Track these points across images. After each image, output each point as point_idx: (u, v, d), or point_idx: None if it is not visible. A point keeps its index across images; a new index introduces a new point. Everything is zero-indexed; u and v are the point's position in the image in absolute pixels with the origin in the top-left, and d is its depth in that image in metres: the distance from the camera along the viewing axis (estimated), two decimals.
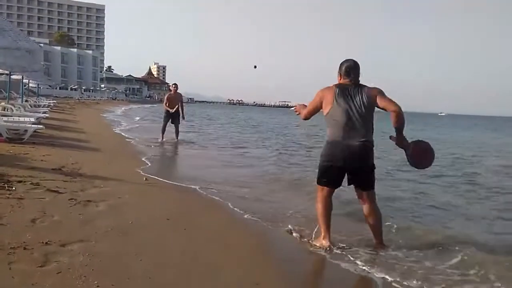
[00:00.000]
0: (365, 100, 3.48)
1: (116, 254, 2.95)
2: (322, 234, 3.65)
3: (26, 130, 8.32)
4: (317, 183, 3.71)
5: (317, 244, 3.64)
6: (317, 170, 3.73)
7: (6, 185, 4.39)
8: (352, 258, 3.38)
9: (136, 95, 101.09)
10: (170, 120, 11.63)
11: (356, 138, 3.45)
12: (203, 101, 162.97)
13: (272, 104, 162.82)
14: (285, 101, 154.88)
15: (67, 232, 3.24)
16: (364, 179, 3.60)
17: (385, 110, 3.50)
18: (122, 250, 3.05)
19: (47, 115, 13.68)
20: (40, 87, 34.60)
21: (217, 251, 3.34)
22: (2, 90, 22.94)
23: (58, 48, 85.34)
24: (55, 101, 30.23)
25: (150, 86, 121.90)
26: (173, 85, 11.82)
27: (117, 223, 3.64)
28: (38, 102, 23.17)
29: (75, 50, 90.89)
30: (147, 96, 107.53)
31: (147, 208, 4.39)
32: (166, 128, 11.63)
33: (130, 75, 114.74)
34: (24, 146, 7.45)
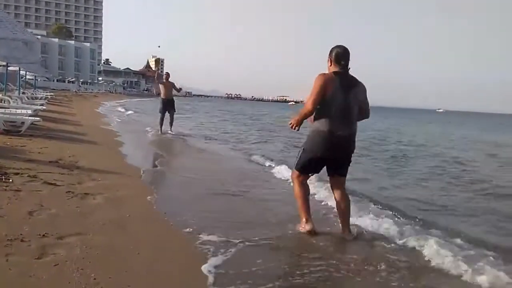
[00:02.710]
0: (359, 93, 3.58)
1: (113, 247, 2.95)
2: (304, 218, 3.71)
3: (23, 122, 8.28)
4: (297, 169, 3.73)
5: (301, 229, 3.71)
6: (297, 157, 3.75)
7: (3, 177, 4.38)
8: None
9: (134, 88, 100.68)
10: (166, 111, 11.72)
11: (348, 129, 3.53)
12: (200, 95, 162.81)
13: (270, 98, 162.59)
14: (283, 96, 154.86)
15: (64, 224, 3.24)
16: (343, 167, 3.69)
17: (361, 110, 3.61)
18: (119, 243, 3.05)
19: (44, 107, 13.59)
20: (37, 79, 34.34)
21: None
22: None
23: (56, 40, 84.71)
24: (52, 94, 30.12)
25: (148, 79, 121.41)
26: (165, 74, 12.18)
27: (114, 216, 3.64)
28: (35, 94, 23.10)
29: (72, 42, 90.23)
30: (145, 89, 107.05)
31: (144, 202, 4.39)
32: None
33: (128, 68, 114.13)
34: (21, 138, 7.42)
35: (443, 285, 2.94)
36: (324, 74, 3.54)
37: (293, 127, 3.60)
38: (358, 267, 3.07)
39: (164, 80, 11.88)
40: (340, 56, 3.55)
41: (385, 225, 3.98)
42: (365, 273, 2.99)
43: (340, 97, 3.46)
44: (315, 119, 3.57)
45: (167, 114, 11.81)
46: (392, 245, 3.59)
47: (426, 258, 3.32)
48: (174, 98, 12.11)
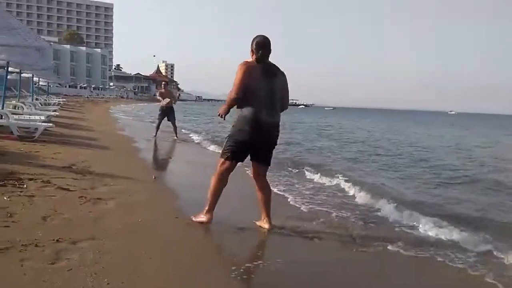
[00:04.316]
0: (281, 82, 3.67)
1: (126, 252, 2.96)
2: (208, 208, 3.77)
3: (36, 128, 8.40)
4: (222, 157, 3.74)
5: (198, 220, 3.77)
6: (224, 146, 3.78)
7: (17, 182, 4.44)
8: None
9: (144, 93, 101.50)
10: (166, 117, 11.81)
11: (272, 116, 3.61)
12: (211, 99, 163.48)
13: None
14: (293, 99, 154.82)
15: (77, 229, 3.27)
16: (267, 155, 3.76)
17: (282, 99, 3.72)
18: (131, 248, 3.06)
19: (57, 113, 13.77)
20: (50, 86, 34.84)
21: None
22: (13, 89, 23.14)
23: (68, 46, 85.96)
24: (64, 100, 30.57)
25: (158, 84, 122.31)
26: (163, 83, 12.79)
27: (126, 221, 3.66)
28: (48, 100, 23.40)
29: (84, 48, 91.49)
30: (155, 94, 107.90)
31: (155, 206, 4.41)
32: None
33: (138, 73, 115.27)
34: (35, 144, 7.52)
35: None
36: (247, 62, 3.62)
37: (220, 115, 3.71)
38: None
39: (163, 89, 12.12)
40: (260, 45, 3.61)
41: None
42: None
43: (264, 84, 3.55)
44: (239, 106, 3.63)
45: (166, 122, 11.94)
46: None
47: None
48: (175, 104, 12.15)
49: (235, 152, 3.67)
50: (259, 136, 3.59)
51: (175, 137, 11.87)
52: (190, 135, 13.94)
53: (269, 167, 3.89)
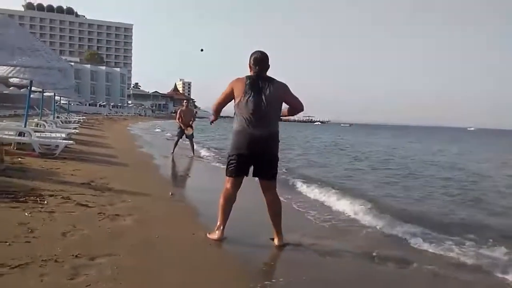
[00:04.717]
0: (273, 93, 3.65)
1: (143, 268, 2.98)
2: (218, 225, 3.81)
3: (57, 146, 8.59)
4: (226, 174, 3.81)
5: (211, 237, 3.79)
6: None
7: (38, 199, 4.53)
8: None
9: (162, 110, 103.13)
10: (184, 136, 12.00)
11: (263, 128, 3.61)
12: (226, 116, 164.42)
13: (296, 119, 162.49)
14: (309, 116, 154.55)
15: (96, 245, 3.30)
16: (266, 168, 3.74)
17: (290, 105, 3.84)
18: (149, 264, 3.08)
19: (77, 130, 14.07)
20: (70, 104, 35.72)
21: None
22: (35, 108, 23.78)
23: (88, 66, 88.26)
24: (84, 117, 31.21)
25: (175, 102, 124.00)
26: (185, 101, 12.92)
27: (144, 237, 3.69)
28: (69, 118, 23.92)
29: (103, 68, 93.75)
30: (173, 111, 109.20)
31: (173, 223, 4.43)
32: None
33: (156, 91, 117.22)
34: (56, 161, 7.68)
35: None
36: (237, 78, 3.73)
37: (211, 122, 4.36)
38: None
39: (184, 108, 12.26)
40: (257, 61, 3.71)
41: None
42: None
43: (251, 98, 3.59)
44: (234, 121, 3.73)
45: (186, 140, 12.10)
46: None
47: None
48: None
49: (235, 167, 3.73)
50: (250, 148, 3.63)
51: (192, 154, 11.99)
52: (206, 154, 13.51)
53: (275, 181, 3.85)
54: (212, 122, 4.36)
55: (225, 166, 3.87)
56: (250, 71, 3.75)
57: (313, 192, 7.04)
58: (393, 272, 3.52)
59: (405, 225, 4.94)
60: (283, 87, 3.77)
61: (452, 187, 9.26)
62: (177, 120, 12.21)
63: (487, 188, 9.47)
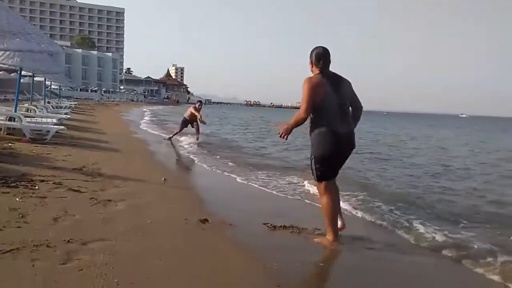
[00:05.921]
0: (346, 89, 3.59)
1: (136, 253, 2.98)
2: (333, 231, 3.65)
3: (48, 131, 8.52)
4: (319, 180, 3.61)
5: (324, 242, 3.65)
6: (312, 169, 3.64)
7: (29, 184, 4.50)
8: None
9: (154, 96, 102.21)
10: (188, 125, 11.98)
11: (347, 126, 3.56)
12: (219, 102, 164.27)
13: (289, 105, 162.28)
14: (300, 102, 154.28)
15: (88, 230, 3.30)
16: (343, 164, 3.71)
17: (352, 102, 3.67)
18: (141, 249, 3.08)
19: (68, 116, 13.96)
20: (61, 89, 35.33)
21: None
22: (26, 92, 23.49)
23: (79, 50, 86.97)
24: (76, 103, 30.86)
25: (168, 88, 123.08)
26: (198, 102, 12.26)
27: (136, 222, 3.69)
28: (60, 103, 23.69)
29: (95, 52, 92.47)
30: (165, 97, 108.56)
31: (165, 208, 4.43)
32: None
33: (148, 76, 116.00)
34: (47, 146, 7.62)
35: None
36: (310, 77, 3.55)
37: (282, 135, 3.47)
38: None
39: (195, 110, 11.82)
40: (320, 56, 3.57)
41: None
42: None
43: (332, 96, 3.48)
44: (313, 123, 3.56)
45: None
46: None
47: None
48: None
49: (326, 171, 3.60)
50: (340, 148, 3.55)
51: (197, 138, 11.92)
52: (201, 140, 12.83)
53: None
54: (285, 137, 3.50)
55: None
56: (312, 67, 3.62)
57: None
58: (387, 260, 3.57)
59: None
60: (350, 84, 3.68)
61: None
62: (187, 115, 11.86)
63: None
